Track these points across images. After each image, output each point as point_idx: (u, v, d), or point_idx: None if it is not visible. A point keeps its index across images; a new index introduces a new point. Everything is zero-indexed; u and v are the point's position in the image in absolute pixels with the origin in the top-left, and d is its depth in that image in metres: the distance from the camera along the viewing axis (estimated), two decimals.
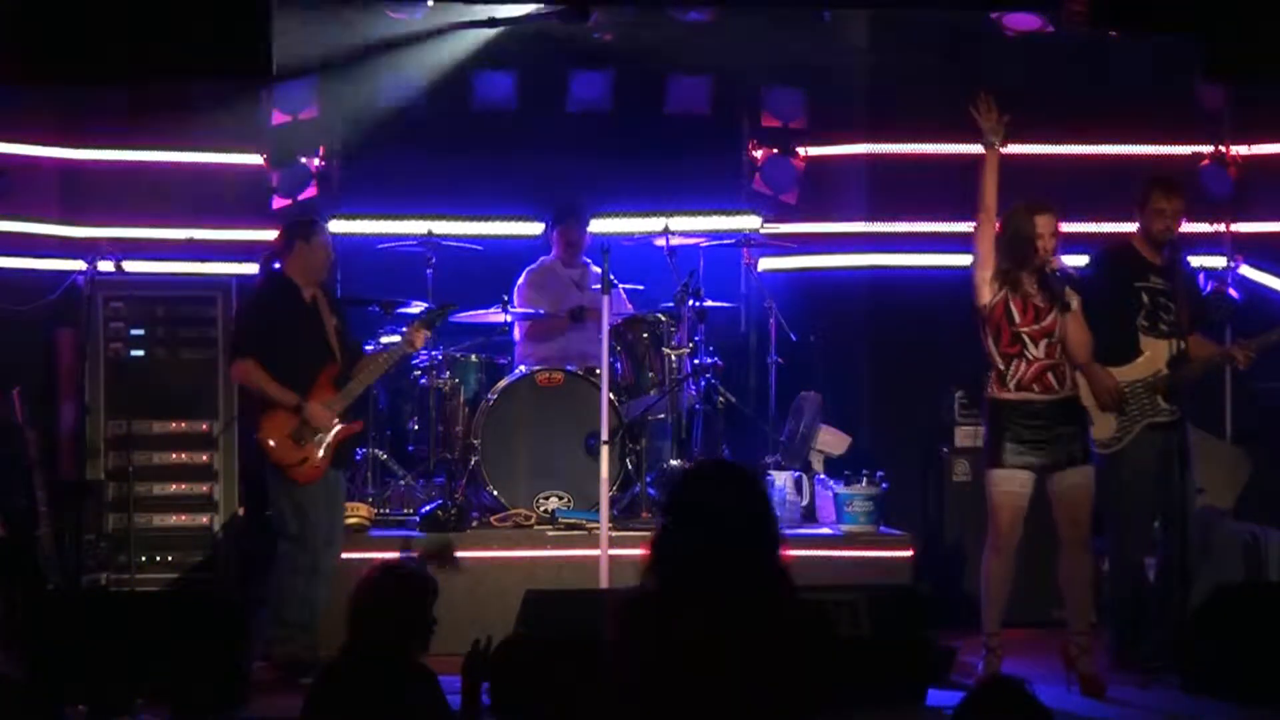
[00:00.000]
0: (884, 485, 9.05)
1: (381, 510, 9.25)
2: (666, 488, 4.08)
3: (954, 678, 7.69)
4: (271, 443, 7.90)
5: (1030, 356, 7.57)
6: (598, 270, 8.96)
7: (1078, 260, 8.28)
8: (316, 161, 10.07)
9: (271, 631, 7.88)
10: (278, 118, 10.02)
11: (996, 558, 7.60)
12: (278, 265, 8.15)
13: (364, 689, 4.66)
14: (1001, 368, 7.60)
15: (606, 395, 8.32)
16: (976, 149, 7.66)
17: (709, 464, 4.56)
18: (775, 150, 10.42)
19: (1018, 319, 7.56)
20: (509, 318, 9.51)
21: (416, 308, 9.31)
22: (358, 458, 9.01)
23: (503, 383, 9.31)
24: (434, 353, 9.35)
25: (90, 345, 9.22)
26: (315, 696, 4.80)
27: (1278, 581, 8.69)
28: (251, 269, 9.87)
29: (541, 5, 9.69)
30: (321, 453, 7.91)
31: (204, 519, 9.39)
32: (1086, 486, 7.63)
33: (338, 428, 7.95)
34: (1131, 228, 8.32)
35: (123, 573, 9.11)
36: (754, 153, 10.51)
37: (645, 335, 9.38)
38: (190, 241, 9.98)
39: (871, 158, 10.47)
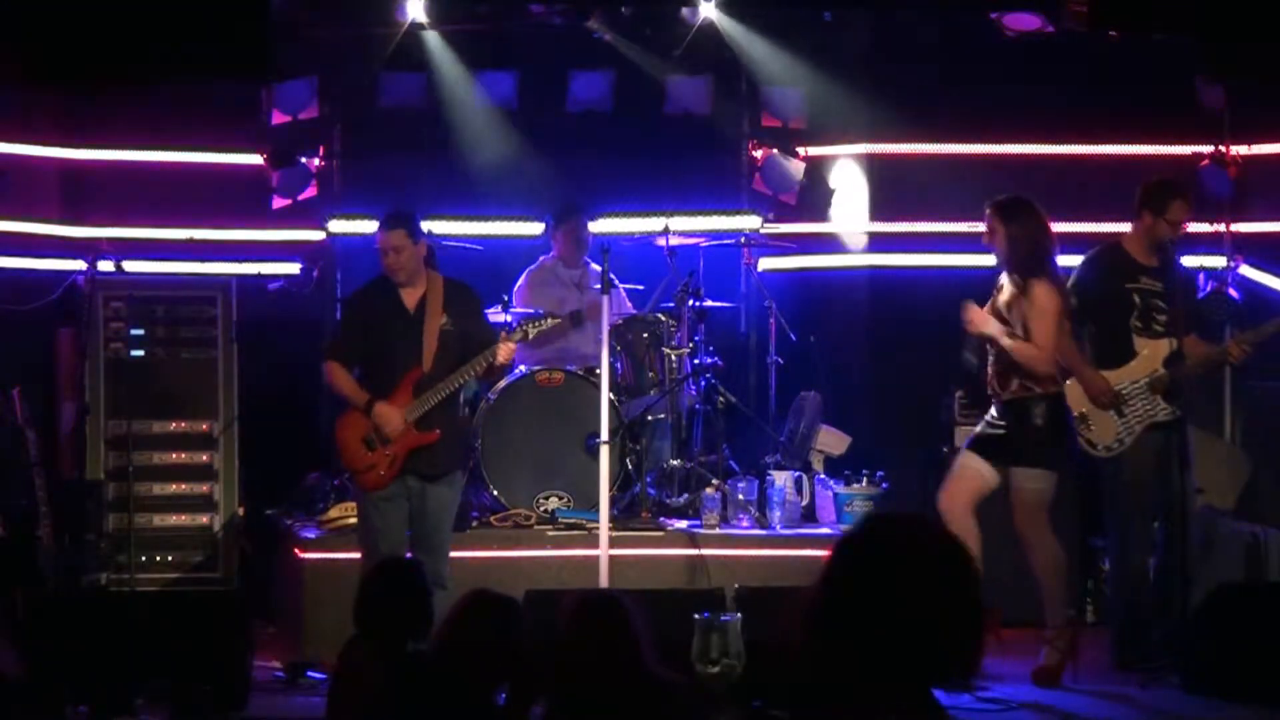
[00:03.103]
0: (884, 485, 9.04)
1: None
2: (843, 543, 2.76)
3: None
4: (343, 445, 7.70)
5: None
6: (598, 270, 8.96)
7: (1072, 261, 8.29)
8: (316, 161, 10.08)
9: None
10: (278, 118, 10.01)
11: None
12: None
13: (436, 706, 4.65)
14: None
15: (606, 395, 8.32)
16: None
17: (915, 520, 2.82)
18: (775, 150, 10.42)
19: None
20: (509, 318, 9.49)
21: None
22: None
23: (503, 383, 9.29)
24: None
25: (90, 345, 9.22)
26: (381, 702, 4.77)
27: (1278, 581, 8.69)
28: (250, 269, 9.92)
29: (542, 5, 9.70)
30: (389, 461, 7.60)
31: (204, 519, 9.40)
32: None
33: (407, 436, 7.58)
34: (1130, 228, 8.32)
35: (123, 573, 9.11)
36: (754, 153, 10.51)
37: (645, 335, 9.38)
38: (190, 241, 9.99)
39: (871, 157, 10.49)
